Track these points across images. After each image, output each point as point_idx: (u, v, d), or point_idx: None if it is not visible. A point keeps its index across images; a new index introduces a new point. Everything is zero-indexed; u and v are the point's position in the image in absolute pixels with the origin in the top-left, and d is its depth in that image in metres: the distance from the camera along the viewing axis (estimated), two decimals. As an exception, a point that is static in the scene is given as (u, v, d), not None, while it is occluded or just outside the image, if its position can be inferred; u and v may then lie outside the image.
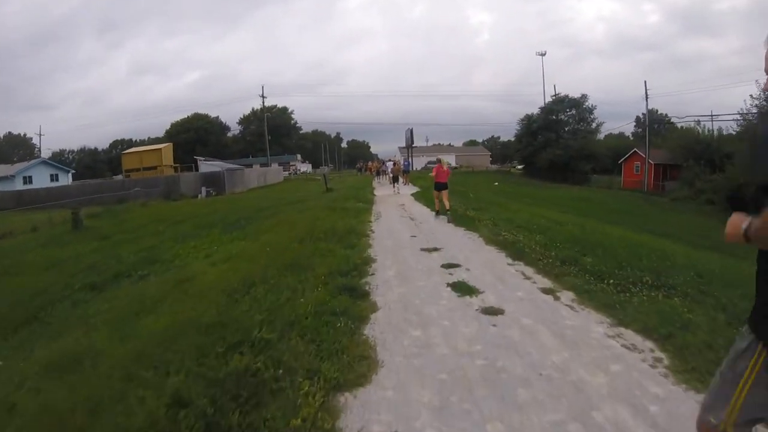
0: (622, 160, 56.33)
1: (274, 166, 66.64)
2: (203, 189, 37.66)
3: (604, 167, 60.91)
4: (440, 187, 15.29)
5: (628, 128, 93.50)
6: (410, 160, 34.59)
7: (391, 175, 31.77)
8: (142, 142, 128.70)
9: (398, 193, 25.41)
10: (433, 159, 26.66)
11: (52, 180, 50.44)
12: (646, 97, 51.02)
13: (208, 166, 44.49)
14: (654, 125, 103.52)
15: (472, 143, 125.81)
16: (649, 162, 49.25)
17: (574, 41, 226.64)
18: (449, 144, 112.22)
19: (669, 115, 51.20)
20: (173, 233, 16.69)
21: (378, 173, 39.07)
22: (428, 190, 22.51)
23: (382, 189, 29.20)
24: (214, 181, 39.23)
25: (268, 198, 27.26)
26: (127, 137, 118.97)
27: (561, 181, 57.30)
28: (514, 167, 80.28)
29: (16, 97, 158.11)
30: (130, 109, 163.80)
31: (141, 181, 39.55)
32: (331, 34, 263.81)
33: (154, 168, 46.89)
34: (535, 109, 66.53)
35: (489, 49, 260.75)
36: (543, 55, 70.09)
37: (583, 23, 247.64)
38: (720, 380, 1.84)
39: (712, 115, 48.22)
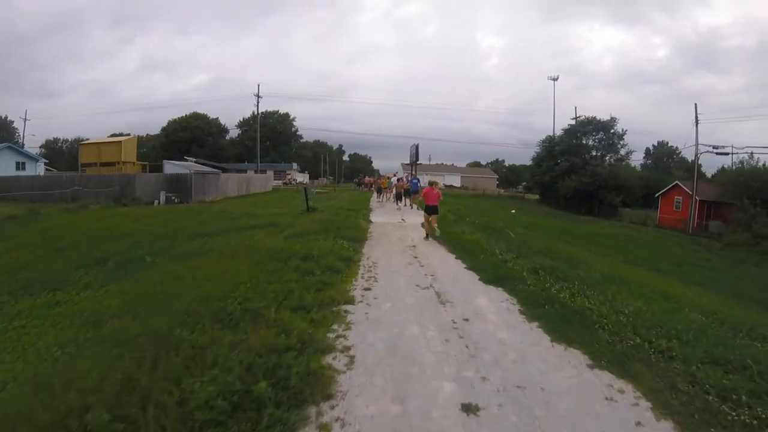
0: (660, 193, 49.60)
1: (266, 173, 59.28)
2: (162, 194, 30.69)
3: (633, 200, 54.43)
4: (431, 210, 14.04)
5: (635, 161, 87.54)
6: (417, 177, 27.49)
7: (394, 193, 27.66)
8: (139, 139, 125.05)
9: (403, 221, 18.51)
10: (434, 179, 20.56)
11: (18, 168, 43.65)
12: (696, 122, 43.74)
13: (174, 167, 37.53)
14: (663, 158, 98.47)
15: (476, 165, 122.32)
16: (695, 198, 42.22)
17: (581, 70, 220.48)
18: (453, 164, 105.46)
19: (717, 147, 43.24)
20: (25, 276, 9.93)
21: (379, 190, 31.97)
22: (450, 224, 15.80)
23: (382, 213, 22.31)
24: (178, 185, 32.26)
25: (229, 215, 20.31)
26: (126, 131, 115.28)
27: (586, 212, 50.85)
28: (528, 193, 73.52)
29: (22, 82, 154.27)
30: (135, 104, 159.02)
31: (93, 179, 32.61)
32: (342, 47, 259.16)
33: (113, 164, 39.79)
34: (540, 136, 60.26)
35: (497, 73, 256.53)
36: (555, 79, 67.26)
37: (592, 53, 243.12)
38: None
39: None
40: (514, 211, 44.22)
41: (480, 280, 8.39)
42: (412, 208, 24.10)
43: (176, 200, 30.85)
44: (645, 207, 53.73)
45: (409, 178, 25.22)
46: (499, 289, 7.74)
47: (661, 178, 61.92)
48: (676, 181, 48.72)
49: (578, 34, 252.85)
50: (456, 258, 10.60)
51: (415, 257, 10.42)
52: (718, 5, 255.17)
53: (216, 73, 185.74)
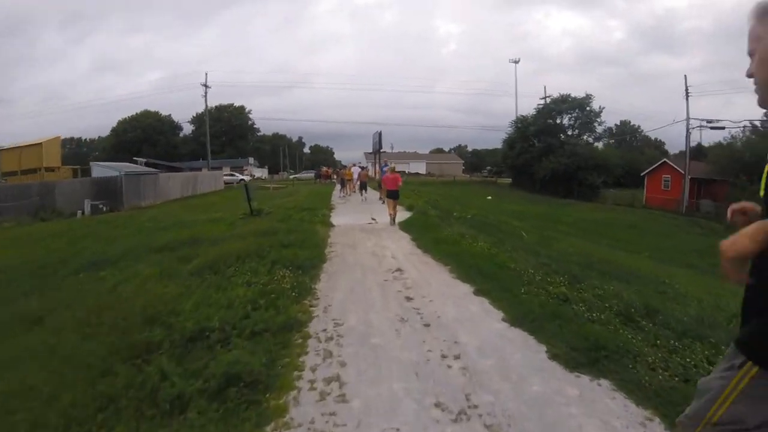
0: (646, 172, 46.89)
1: (220, 170, 53.97)
2: (87, 203, 25.79)
3: (613, 181, 51.59)
4: (392, 195, 14.15)
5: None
6: (386, 162, 22.93)
7: (358, 184, 24.54)
8: (91, 142, 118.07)
9: (374, 221, 14.35)
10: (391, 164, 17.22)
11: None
12: (687, 97, 40.62)
13: (103, 169, 32.22)
14: (627, 137, 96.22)
15: (439, 151, 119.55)
16: (687, 177, 39.35)
17: (540, 55, 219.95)
18: (416, 151, 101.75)
19: (711, 121, 40.35)
20: None
21: (342, 183, 27.48)
22: (438, 223, 11.81)
23: (346, 210, 18.13)
24: (108, 190, 27.41)
25: (156, 225, 16.06)
26: (76, 135, 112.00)
27: (564, 195, 47.37)
28: (500, 177, 70.12)
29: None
30: (89, 106, 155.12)
31: (9, 190, 27.08)
32: (300, 38, 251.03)
33: (35, 171, 34.29)
34: (501, 120, 57.40)
35: (456, 59, 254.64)
36: (517, 62, 64.55)
37: (550, 38, 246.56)
38: (701, 391, 1.71)
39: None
40: (490, 197, 40.82)
41: (563, 366, 3.94)
42: (383, 201, 20.03)
43: (105, 208, 26.02)
44: (625, 187, 51.00)
45: (381, 166, 21.03)
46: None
47: (635, 157, 59.89)
48: (665, 159, 46.60)
49: (536, 19, 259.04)
50: (479, 296, 6.14)
51: (409, 300, 6.01)
52: None
53: (172, 69, 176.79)
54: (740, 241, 1.42)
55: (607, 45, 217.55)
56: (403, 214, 16.04)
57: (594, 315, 4.98)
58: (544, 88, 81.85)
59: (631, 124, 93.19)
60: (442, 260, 8.27)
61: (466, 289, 6.48)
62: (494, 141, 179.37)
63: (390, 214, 13.96)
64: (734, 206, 1.70)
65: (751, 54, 1.57)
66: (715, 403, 1.59)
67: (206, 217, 17.44)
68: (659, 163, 46.26)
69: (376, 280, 6.90)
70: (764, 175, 1.57)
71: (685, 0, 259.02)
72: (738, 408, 1.54)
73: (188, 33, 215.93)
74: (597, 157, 49.47)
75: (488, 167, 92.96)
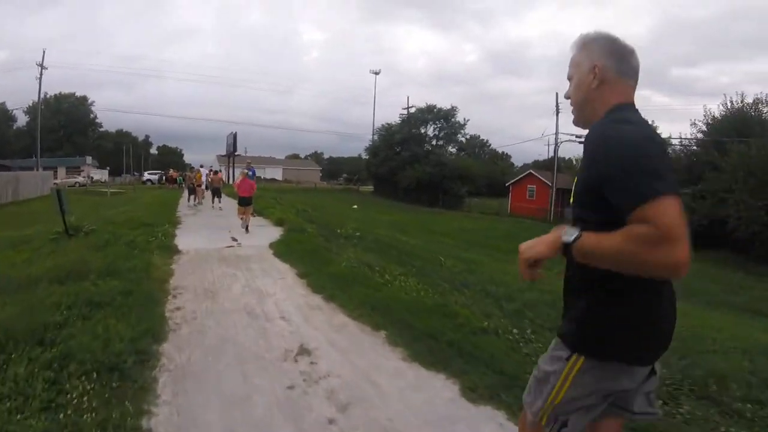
0: (511, 182, 49.02)
1: (40, 171, 45.64)
2: None
3: (477, 190, 53.09)
4: (244, 202, 13.30)
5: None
6: (252, 167, 18.93)
7: (204, 189, 22.60)
8: None
9: (237, 243, 11.02)
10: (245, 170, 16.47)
11: None
12: (557, 112, 42.07)
13: None
14: (476, 149, 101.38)
15: (296, 157, 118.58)
16: (554, 187, 41.11)
17: (398, 69, 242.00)
18: (272, 156, 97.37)
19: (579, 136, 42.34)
20: None
21: (191, 190, 23.12)
22: (334, 248, 8.89)
23: (197, 226, 14.38)
24: None
25: None
26: None
27: (430, 204, 46.85)
28: (362, 185, 68.80)
29: None
30: None
31: None
32: (157, 27, 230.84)
33: None
34: (358, 129, 57.25)
35: (317, 67, 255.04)
36: (377, 73, 65.19)
37: (408, 54, 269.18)
38: (537, 380, 1.85)
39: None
40: (355, 206, 38.50)
41: None
42: (246, 220, 16.62)
43: None
44: (485, 196, 52.28)
45: (247, 170, 17.36)
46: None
47: (491, 168, 61.83)
48: (530, 171, 48.62)
49: (397, 35, 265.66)
50: (484, 405, 3.34)
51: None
52: (530, 20, 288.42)
53: (12, 52, 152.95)
54: (538, 247, 1.66)
55: (460, 66, 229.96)
56: (272, 231, 12.88)
57: None
58: (407, 98, 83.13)
59: (480, 138, 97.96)
60: (365, 319, 5.28)
61: (449, 391, 3.63)
62: (350, 149, 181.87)
63: (241, 218, 13.39)
64: (527, 257, 1.75)
65: (569, 78, 1.84)
66: (553, 391, 1.75)
67: (13, 234, 13.18)
68: (525, 174, 48.59)
69: (270, 389, 3.64)
70: (573, 185, 1.76)
71: (536, 30, 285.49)
72: (573, 392, 1.71)
73: (29, 11, 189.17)
74: (461, 168, 50.05)
75: (344, 175, 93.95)
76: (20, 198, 31.96)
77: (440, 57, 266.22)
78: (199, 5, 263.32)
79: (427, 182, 48.36)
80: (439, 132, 54.36)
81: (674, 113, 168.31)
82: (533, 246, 1.67)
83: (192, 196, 22.30)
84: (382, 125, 56.35)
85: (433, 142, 53.90)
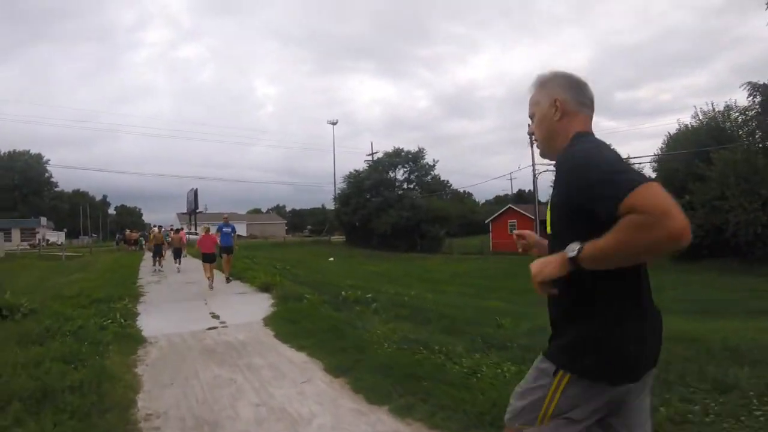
0: (491, 219, 48.01)
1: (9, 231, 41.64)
2: None
3: (452, 231, 51.74)
4: (209, 259, 13.28)
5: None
6: (230, 224, 15.94)
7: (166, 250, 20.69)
8: None
9: (219, 321, 8.60)
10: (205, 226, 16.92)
11: None
12: (531, 145, 41.09)
13: None
14: (437, 191, 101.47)
15: (257, 211, 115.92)
16: (537, 220, 39.58)
17: (352, 118, 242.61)
18: (234, 212, 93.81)
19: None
20: None
21: (157, 251, 20.16)
22: (339, 337, 6.31)
23: (166, 299, 12.08)
24: None
25: None
26: None
27: (407, 249, 44.81)
28: (332, 236, 66.57)
29: None
30: None
31: None
32: (110, 87, 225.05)
33: None
34: (317, 180, 55.85)
35: (271, 121, 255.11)
36: (335, 123, 67.40)
37: (362, 103, 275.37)
38: (527, 393, 1.85)
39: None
40: (332, 259, 36.39)
41: None
42: (229, 281, 14.29)
43: None
44: (458, 236, 50.96)
45: (220, 226, 14.97)
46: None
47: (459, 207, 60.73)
48: (509, 205, 48.20)
49: (349, 86, 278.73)
50: None
51: None
52: (475, 63, 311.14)
53: None
54: (548, 268, 1.68)
55: (413, 111, 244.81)
56: (259, 300, 10.62)
57: None
58: (371, 144, 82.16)
59: (441, 178, 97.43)
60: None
61: None
62: (310, 201, 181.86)
63: (210, 277, 13.19)
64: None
65: (531, 116, 1.96)
66: (542, 408, 1.76)
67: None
68: (504, 209, 47.69)
69: None
70: (547, 214, 1.87)
71: (483, 72, 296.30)
72: (562, 406, 1.73)
73: None
74: (437, 209, 48.25)
75: (309, 226, 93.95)
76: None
77: (393, 104, 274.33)
78: (152, 64, 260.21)
79: (403, 227, 46.39)
80: (409, 175, 52.88)
81: (621, 135, 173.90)
82: (544, 268, 1.70)
83: (157, 258, 19.53)
84: (350, 172, 54.34)
85: (404, 186, 52.37)
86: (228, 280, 14.24)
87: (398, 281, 20.06)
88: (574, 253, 1.57)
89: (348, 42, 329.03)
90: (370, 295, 10.17)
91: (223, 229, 14.77)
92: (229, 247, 14.64)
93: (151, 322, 8.44)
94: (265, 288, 12.09)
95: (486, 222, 48.62)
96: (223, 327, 8.04)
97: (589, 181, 1.54)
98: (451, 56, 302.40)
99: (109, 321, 8.02)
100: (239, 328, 7.85)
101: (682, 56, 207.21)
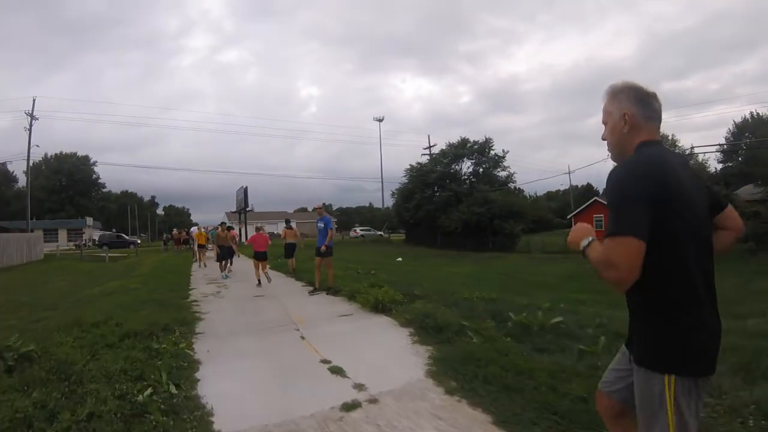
0: (574, 213, 44.36)
1: (25, 233, 38.57)
2: None
3: (526, 227, 46.48)
4: (260, 256, 12.81)
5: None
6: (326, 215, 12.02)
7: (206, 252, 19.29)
8: None
9: (354, 385, 4.55)
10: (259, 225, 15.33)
11: None
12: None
13: None
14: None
15: (303, 210, 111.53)
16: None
17: (394, 117, 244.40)
18: (284, 211, 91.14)
19: None
20: None
21: (224, 255, 16.09)
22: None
23: (237, 328, 8.17)
24: None
25: None
26: None
27: (477, 247, 40.19)
28: (392, 233, 62.81)
29: None
30: None
31: None
32: (158, 92, 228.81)
33: None
34: (362, 181, 51.70)
35: (315, 121, 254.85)
36: (381, 120, 65.41)
37: (403, 101, 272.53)
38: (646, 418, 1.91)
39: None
40: (400, 259, 32.17)
41: None
42: (327, 292, 10.47)
43: None
44: (532, 233, 46.71)
45: (323, 216, 11.13)
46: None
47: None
48: (595, 198, 44.06)
49: (391, 84, 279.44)
50: None
51: None
52: (519, 56, 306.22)
53: (16, 116, 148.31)
54: (575, 243, 2.00)
55: (455, 107, 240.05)
56: (387, 331, 6.62)
57: None
58: (428, 137, 78.14)
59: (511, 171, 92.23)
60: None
61: None
62: (353, 199, 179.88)
63: (258, 275, 12.72)
64: None
65: (604, 123, 2.11)
66: (668, 418, 1.83)
67: None
68: (590, 202, 44.36)
69: None
70: None
71: (526, 65, 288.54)
72: (681, 411, 1.82)
73: (39, 77, 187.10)
74: (512, 204, 43.19)
75: (356, 224, 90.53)
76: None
77: (435, 101, 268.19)
78: (196, 69, 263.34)
79: (475, 223, 41.60)
80: (477, 167, 48.02)
81: (668, 127, 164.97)
82: (575, 239, 2.00)
83: (225, 262, 15.77)
84: (411, 166, 50.04)
85: (472, 179, 47.42)
86: (327, 291, 10.51)
87: (506, 287, 15.68)
88: (585, 243, 1.94)
89: (389, 40, 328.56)
90: (559, 319, 6.09)
91: (317, 224, 11.00)
92: (327, 248, 10.81)
93: (225, 387, 4.54)
94: (378, 307, 8.04)
95: (568, 217, 45.59)
96: (370, 402, 4.07)
97: (610, 205, 1.83)
98: (493, 50, 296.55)
99: (149, 391, 4.11)
100: (402, 401, 4.07)
101: (731, 42, 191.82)
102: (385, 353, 5.59)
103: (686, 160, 2.21)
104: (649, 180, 1.78)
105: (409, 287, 10.12)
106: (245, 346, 6.13)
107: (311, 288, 11.09)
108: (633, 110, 1.98)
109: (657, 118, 2.02)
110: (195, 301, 9.80)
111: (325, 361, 5.25)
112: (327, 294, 10.32)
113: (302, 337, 6.47)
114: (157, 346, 5.61)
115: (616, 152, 2.07)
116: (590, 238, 1.90)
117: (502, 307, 7.44)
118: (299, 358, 5.51)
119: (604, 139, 2.10)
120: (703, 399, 1.86)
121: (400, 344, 5.95)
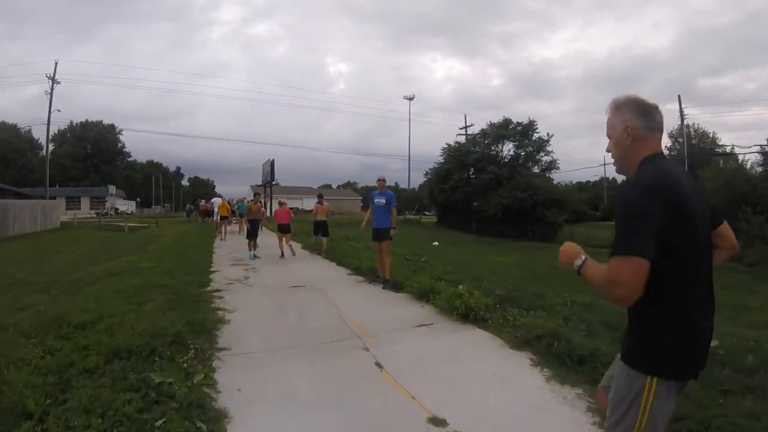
0: None
1: (42, 200, 36.98)
2: None
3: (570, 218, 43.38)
4: (284, 229, 13.40)
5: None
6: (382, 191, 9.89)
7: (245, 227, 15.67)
8: None
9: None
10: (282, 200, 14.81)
11: None
12: (681, 116, 35.58)
13: None
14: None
15: (328, 187, 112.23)
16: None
17: (423, 97, 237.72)
18: (309, 187, 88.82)
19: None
20: None
21: (252, 232, 14.17)
22: None
23: (276, 329, 6.04)
24: None
25: None
26: None
27: (516, 235, 37.84)
28: (423, 215, 60.56)
29: None
30: None
31: None
32: (187, 63, 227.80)
33: None
34: (385, 159, 48.66)
35: (344, 98, 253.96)
36: (411, 99, 63.84)
37: (434, 81, 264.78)
38: (618, 406, 1.89)
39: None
40: (436, 243, 29.76)
41: None
42: (385, 285, 8.31)
43: None
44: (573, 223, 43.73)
45: (375, 194, 8.91)
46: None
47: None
48: None
49: (422, 63, 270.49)
50: None
51: None
52: (553, 41, 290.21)
53: (41, 86, 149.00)
54: (564, 262, 1.96)
55: (486, 90, 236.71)
56: (496, 358, 4.26)
57: None
58: (465, 116, 75.44)
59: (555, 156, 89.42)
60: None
61: None
62: (375, 178, 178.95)
63: (282, 247, 13.34)
64: None
65: (608, 136, 2.08)
66: (638, 418, 1.82)
67: None
68: None
69: None
70: None
71: (561, 50, 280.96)
72: (654, 413, 1.81)
73: (68, 47, 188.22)
74: (556, 192, 40.50)
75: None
76: (11, 234, 23.82)
77: (465, 81, 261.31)
78: (226, 41, 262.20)
79: (516, 210, 38.88)
80: (519, 150, 44.80)
81: (703, 123, 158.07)
82: (566, 258, 1.94)
83: (252, 242, 13.59)
84: (449, 145, 47.17)
85: (514, 162, 43.98)
86: (384, 285, 8.36)
87: (572, 286, 13.36)
88: (579, 263, 1.88)
89: (421, 18, 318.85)
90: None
91: (375, 200, 8.80)
92: (385, 230, 8.64)
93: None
94: (468, 316, 5.82)
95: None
96: None
97: (618, 223, 1.78)
98: (527, 33, 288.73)
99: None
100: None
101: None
102: (523, 402, 3.53)
103: (688, 172, 2.17)
104: (659, 199, 1.75)
105: (478, 283, 7.96)
106: (295, 381, 3.94)
107: (368, 280, 9.02)
108: (636, 122, 1.98)
109: (659, 129, 2.03)
110: (217, 290, 7.62)
111: (435, 422, 3.07)
112: (384, 288, 8.16)
113: (378, 365, 4.28)
114: (159, 379, 3.45)
115: (620, 164, 2.07)
116: (583, 257, 1.88)
117: (610, 317, 5.64)
118: (388, 411, 3.36)
119: (608, 152, 2.10)
120: (676, 400, 1.89)
121: (533, 383, 3.85)
